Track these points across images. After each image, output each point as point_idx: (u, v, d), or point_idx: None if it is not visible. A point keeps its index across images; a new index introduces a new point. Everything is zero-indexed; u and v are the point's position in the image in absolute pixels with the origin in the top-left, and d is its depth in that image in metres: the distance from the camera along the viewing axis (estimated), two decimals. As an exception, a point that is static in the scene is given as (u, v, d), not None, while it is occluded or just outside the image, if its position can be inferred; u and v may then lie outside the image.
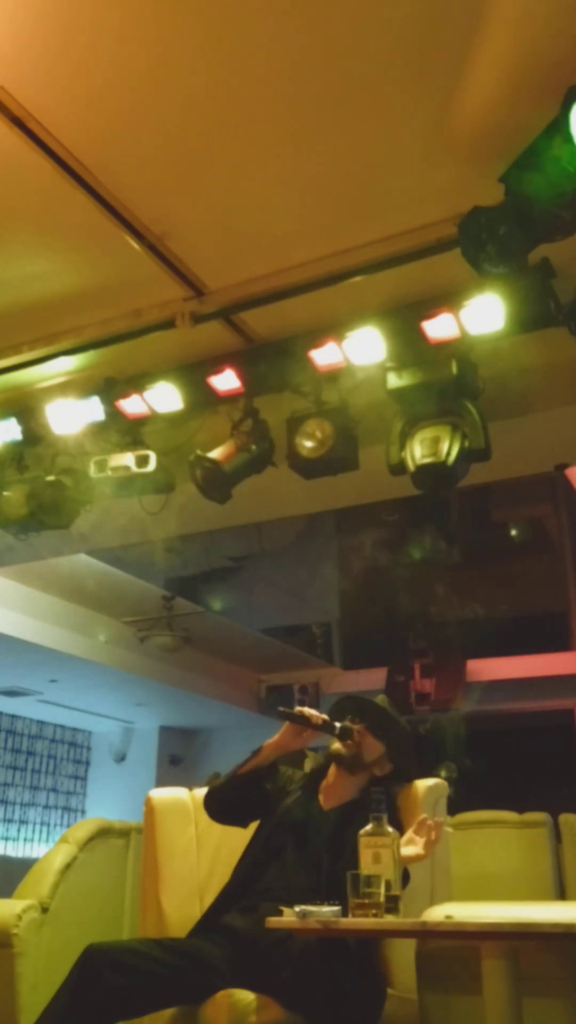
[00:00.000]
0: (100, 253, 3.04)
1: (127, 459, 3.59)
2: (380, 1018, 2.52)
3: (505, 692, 9.55)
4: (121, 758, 11.04)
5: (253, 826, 2.87)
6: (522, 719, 9.84)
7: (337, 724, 2.79)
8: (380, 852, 2.25)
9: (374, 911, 2.15)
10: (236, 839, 2.91)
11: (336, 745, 2.85)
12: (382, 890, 2.17)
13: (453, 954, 2.34)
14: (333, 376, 3.33)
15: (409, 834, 2.51)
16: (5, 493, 3.84)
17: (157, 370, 3.54)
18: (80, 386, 3.66)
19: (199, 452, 3.44)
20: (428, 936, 2.33)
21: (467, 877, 3.36)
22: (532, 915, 2.08)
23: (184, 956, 2.49)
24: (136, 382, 3.57)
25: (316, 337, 3.23)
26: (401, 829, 2.45)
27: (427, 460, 3.10)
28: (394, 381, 3.16)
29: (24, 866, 3.38)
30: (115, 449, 3.64)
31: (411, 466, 3.14)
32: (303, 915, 2.15)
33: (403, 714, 2.97)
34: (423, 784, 3.02)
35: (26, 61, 2.38)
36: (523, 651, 9.48)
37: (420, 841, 2.49)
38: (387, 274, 2.98)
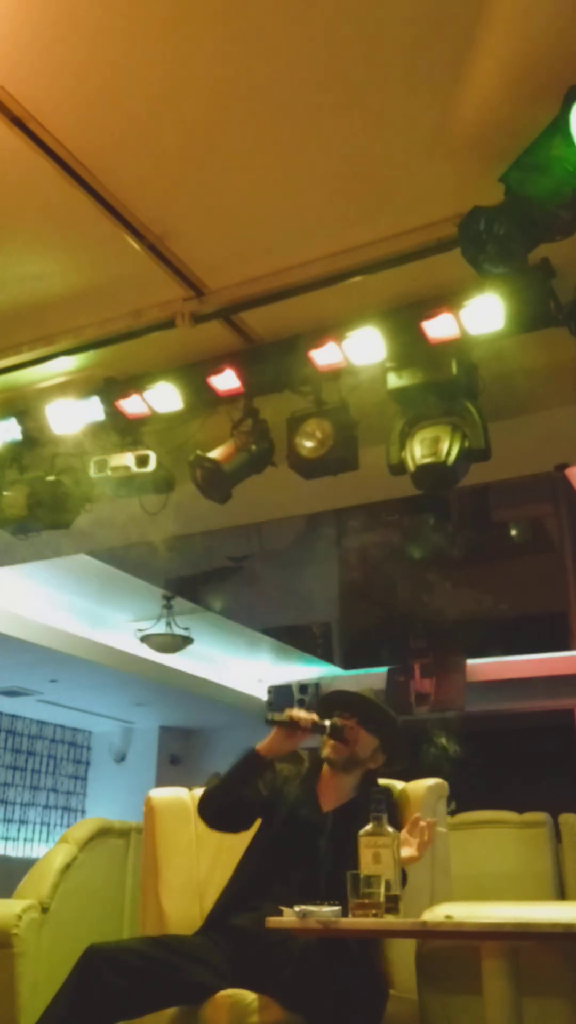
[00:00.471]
0: (100, 253, 3.04)
1: (127, 459, 3.59)
2: (382, 1019, 2.52)
3: (505, 692, 9.54)
4: (121, 758, 11.04)
5: (254, 826, 2.87)
6: (522, 719, 9.83)
7: (327, 723, 2.78)
8: (380, 852, 2.25)
9: (374, 911, 2.16)
10: (236, 839, 2.92)
11: (326, 750, 2.84)
12: (382, 890, 2.18)
13: (453, 954, 2.34)
14: (333, 376, 3.32)
15: (403, 834, 2.51)
16: (5, 493, 3.84)
17: (157, 370, 3.54)
18: (80, 386, 3.66)
19: (199, 452, 3.44)
20: (428, 936, 2.33)
21: (467, 877, 3.37)
22: (532, 915, 2.08)
23: (185, 956, 2.49)
24: (136, 382, 3.57)
25: (316, 337, 3.23)
26: (401, 829, 2.45)
27: (427, 460, 3.10)
28: (394, 381, 3.16)
29: (24, 866, 3.38)
30: (115, 449, 3.64)
31: (411, 466, 3.15)
32: (303, 915, 2.15)
33: (403, 714, 2.97)
34: (423, 784, 3.02)
35: (26, 61, 2.38)
36: (523, 651, 9.47)
37: (414, 843, 2.49)
38: (387, 274, 2.98)
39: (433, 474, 3.12)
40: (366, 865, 2.25)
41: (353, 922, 2.16)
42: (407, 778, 3.10)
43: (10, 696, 9.48)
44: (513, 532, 10.14)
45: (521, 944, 2.08)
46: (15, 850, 10.13)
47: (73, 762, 11.10)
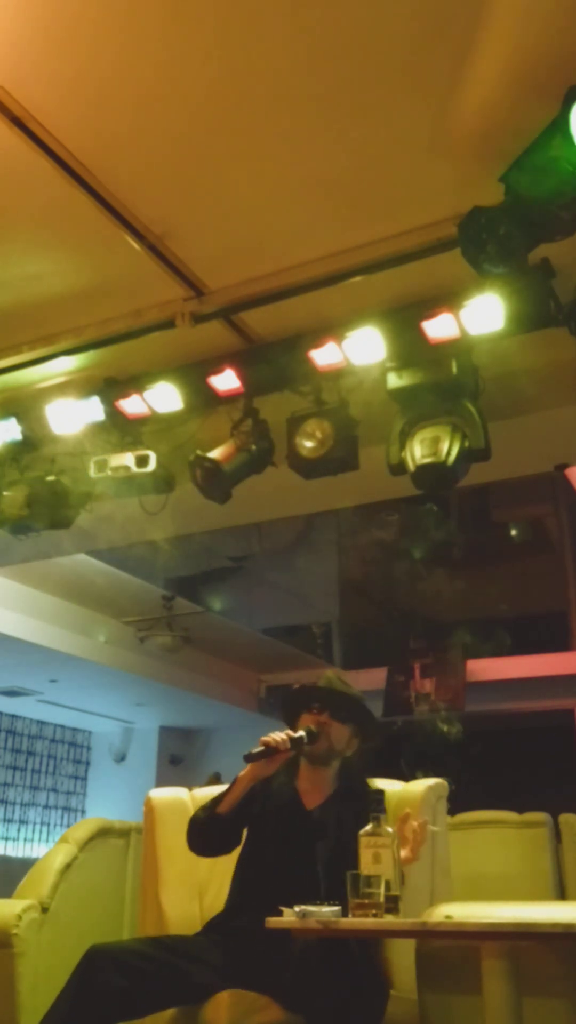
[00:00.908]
0: (100, 253, 3.04)
1: (127, 459, 3.60)
2: (382, 1019, 2.52)
3: (505, 692, 9.54)
4: (121, 758, 11.04)
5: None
6: (522, 719, 9.83)
7: (302, 733, 2.75)
8: (380, 852, 2.25)
9: (374, 911, 2.16)
10: (236, 839, 2.91)
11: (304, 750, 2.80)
12: (382, 890, 2.18)
13: (453, 954, 2.34)
14: (333, 376, 3.32)
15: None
16: (5, 493, 3.84)
17: (157, 370, 3.54)
18: (80, 386, 3.66)
19: (199, 452, 3.44)
20: (428, 936, 2.33)
21: (467, 877, 3.36)
22: (532, 915, 2.08)
23: (185, 956, 2.49)
24: (136, 382, 3.57)
25: (316, 337, 3.23)
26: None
27: (427, 460, 3.11)
28: (394, 381, 3.17)
29: (24, 866, 3.38)
30: (115, 449, 3.64)
31: (411, 466, 3.15)
32: (303, 915, 2.15)
33: (403, 714, 2.96)
34: (423, 784, 3.02)
35: (26, 61, 2.38)
36: (523, 651, 9.47)
37: (407, 844, 2.48)
38: (387, 274, 2.98)
39: (433, 474, 3.12)
40: (366, 865, 2.25)
41: (353, 922, 2.16)
42: (407, 778, 3.10)
43: (10, 696, 9.48)
44: (513, 532, 10.14)
45: (521, 944, 2.08)
46: (15, 850, 10.13)
47: (73, 762, 11.10)
